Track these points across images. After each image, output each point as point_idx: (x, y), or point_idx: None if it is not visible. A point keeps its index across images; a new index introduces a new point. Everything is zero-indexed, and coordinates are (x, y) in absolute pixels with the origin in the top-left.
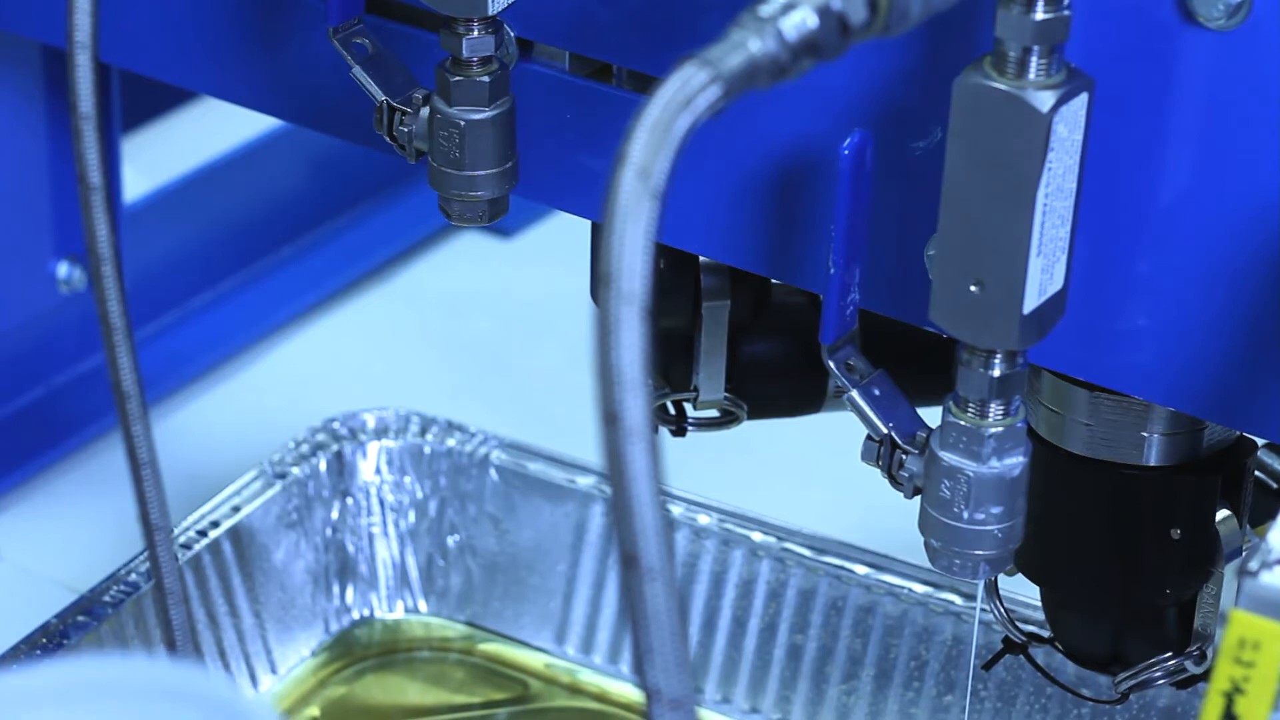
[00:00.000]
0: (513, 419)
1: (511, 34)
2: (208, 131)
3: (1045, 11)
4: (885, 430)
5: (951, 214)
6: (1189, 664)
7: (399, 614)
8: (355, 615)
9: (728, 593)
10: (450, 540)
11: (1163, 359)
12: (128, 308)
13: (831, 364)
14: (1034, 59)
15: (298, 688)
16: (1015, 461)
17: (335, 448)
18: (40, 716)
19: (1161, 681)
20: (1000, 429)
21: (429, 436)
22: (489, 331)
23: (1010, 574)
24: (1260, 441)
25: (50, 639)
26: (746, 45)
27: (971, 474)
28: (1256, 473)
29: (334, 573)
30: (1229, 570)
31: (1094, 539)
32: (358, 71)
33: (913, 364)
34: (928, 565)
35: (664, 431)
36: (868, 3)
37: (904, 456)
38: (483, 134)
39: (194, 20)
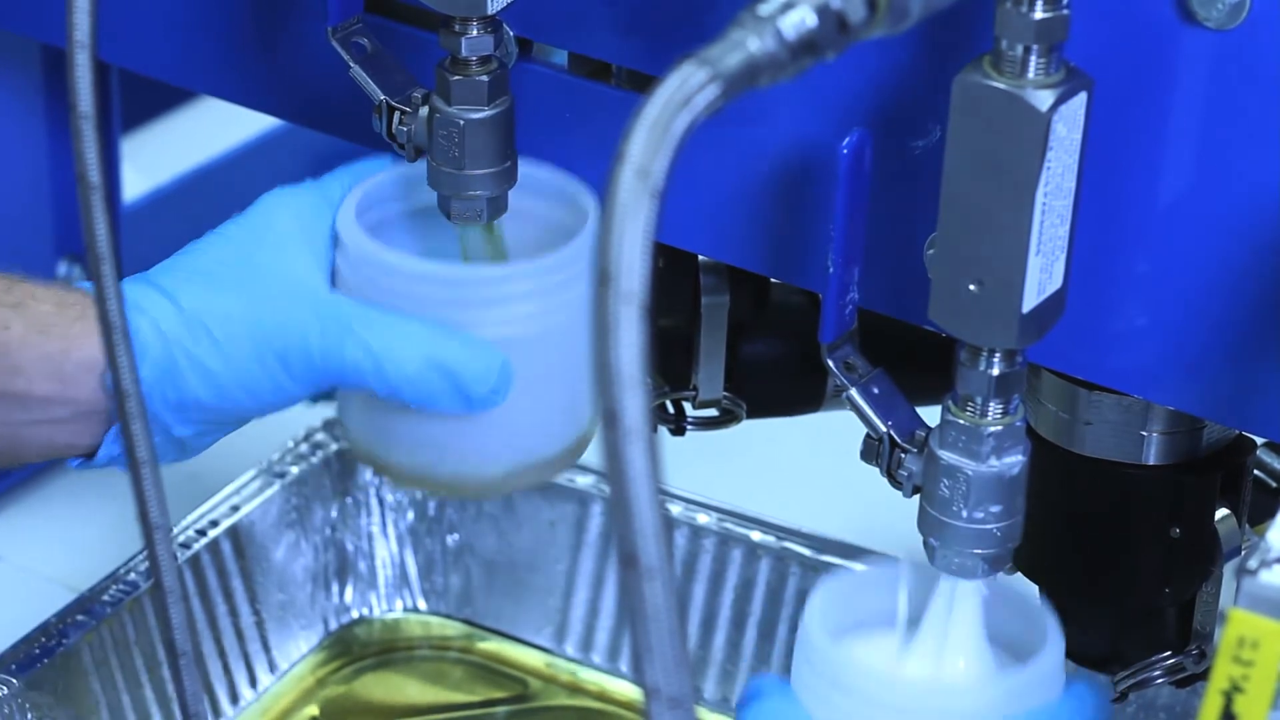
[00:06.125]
0: None
1: (510, 33)
2: (208, 131)
3: (1044, 10)
4: (884, 429)
5: (951, 213)
6: (1188, 663)
7: (398, 613)
8: (354, 614)
9: (727, 592)
10: (450, 539)
11: (1162, 358)
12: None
13: (831, 363)
14: (1033, 58)
15: (297, 686)
16: (1014, 460)
17: (334, 447)
18: None
19: (1161, 681)
20: (999, 428)
21: None
22: None
23: (1010, 573)
24: (1259, 440)
25: (50, 638)
26: (745, 44)
27: (971, 473)
28: (1255, 471)
29: (333, 572)
30: (1228, 569)
31: (1093, 538)
32: (356, 71)
33: (912, 363)
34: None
35: (663, 431)
36: (867, 1)
37: (903, 455)
38: (482, 133)
39: (194, 20)
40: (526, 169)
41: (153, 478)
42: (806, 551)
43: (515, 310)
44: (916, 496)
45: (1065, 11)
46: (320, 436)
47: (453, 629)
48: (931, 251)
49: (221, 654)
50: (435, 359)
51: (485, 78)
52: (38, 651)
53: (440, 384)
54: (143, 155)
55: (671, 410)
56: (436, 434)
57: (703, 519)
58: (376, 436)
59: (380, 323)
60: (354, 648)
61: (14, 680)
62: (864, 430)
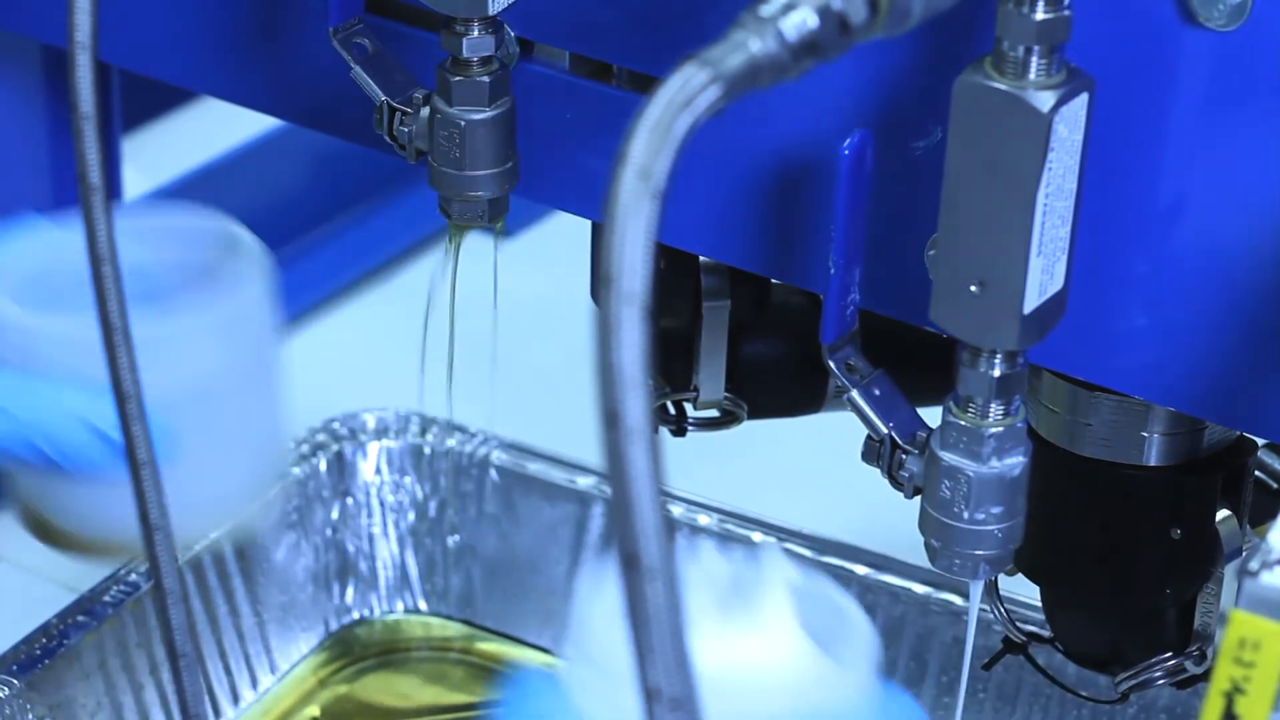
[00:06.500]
0: (513, 419)
1: (512, 34)
2: (208, 131)
3: (1046, 11)
4: (885, 430)
5: (952, 214)
6: (1189, 664)
7: (399, 614)
8: (355, 615)
9: None
10: (450, 540)
11: (1163, 359)
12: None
13: (832, 364)
14: (1034, 59)
15: (298, 687)
16: (1015, 461)
17: (335, 448)
18: None
19: (1161, 681)
20: (1000, 429)
21: (429, 436)
22: (489, 331)
23: (1010, 574)
24: (1260, 441)
25: (50, 639)
26: (747, 45)
27: (972, 474)
28: (1256, 472)
29: (334, 572)
30: (1229, 570)
31: (1094, 539)
32: (358, 71)
33: (913, 364)
34: (928, 565)
35: (664, 432)
36: (868, 2)
37: (904, 456)
38: (482, 134)
39: (194, 20)
40: (181, 215)
41: (152, 478)
42: (807, 552)
43: (175, 365)
44: (917, 498)
45: (1067, 12)
46: (321, 437)
47: (453, 630)
48: (932, 252)
49: (222, 655)
50: (90, 423)
51: (486, 78)
52: (39, 652)
53: (100, 448)
54: (143, 155)
55: (673, 411)
56: (108, 497)
57: (703, 520)
58: (47, 508)
59: (27, 392)
60: (355, 648)
61: (15, 681)
62: (865, 431)
